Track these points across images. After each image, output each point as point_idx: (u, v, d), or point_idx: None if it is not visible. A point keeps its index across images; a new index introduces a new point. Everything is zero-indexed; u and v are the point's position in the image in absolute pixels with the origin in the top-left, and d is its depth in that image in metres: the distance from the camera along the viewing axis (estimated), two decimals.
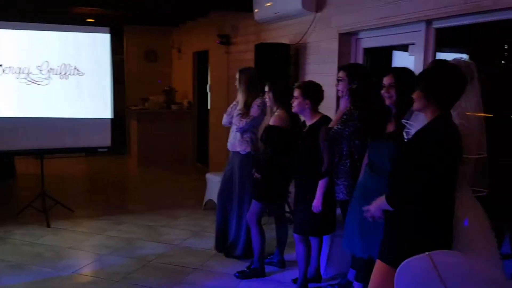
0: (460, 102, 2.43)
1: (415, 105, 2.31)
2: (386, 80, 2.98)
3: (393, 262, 2.22)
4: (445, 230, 2.27)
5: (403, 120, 2.64)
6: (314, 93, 3.60)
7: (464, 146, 2.34)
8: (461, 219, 2.36)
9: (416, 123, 2.45)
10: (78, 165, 8.89)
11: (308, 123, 3.67)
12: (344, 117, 3.43)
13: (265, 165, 3.95)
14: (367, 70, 3.88)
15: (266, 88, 3.99)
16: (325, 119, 3.63)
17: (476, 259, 2.21)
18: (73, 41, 5.65)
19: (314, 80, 3.75)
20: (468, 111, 2.47)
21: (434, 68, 2.29)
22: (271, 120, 3.93)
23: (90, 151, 8.91)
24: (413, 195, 2.18)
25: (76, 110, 5.70)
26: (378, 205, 2.39)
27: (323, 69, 5.06)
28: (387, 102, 2.99)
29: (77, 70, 5.69)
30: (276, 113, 3.96)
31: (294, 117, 3.88)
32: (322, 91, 3.65)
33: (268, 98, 3.99)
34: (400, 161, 2.30)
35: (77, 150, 6.89)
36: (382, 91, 2.98)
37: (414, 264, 2.07)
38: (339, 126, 3.42)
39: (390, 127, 2.99)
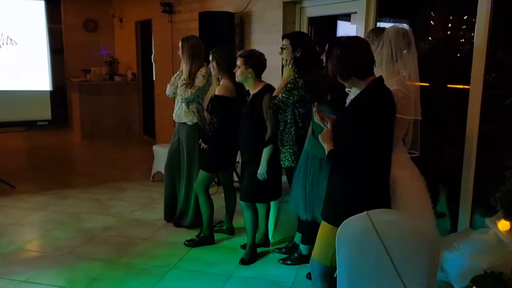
0: (399, 69, 2.54)
1: (346, 85, 2.42)
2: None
3: (335, 222, 2.32)
4: (382, 190, 2.38)
5: (346, 89, 2.69)
6: (256, 61, 3.61)
7: (401, 108, 2.45)
8: (398, 179, 2.48)
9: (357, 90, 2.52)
10: (19, 140, 8.57)
11: (252, 92, 3.69)
12: (289, 85, 3.47)
13: (212, 135, 3.95)
14: (310, 39, 3.99)
15: (210, 57, 3.97)
16: (269, 87, 3.65)
17: (411, 218, 2.30)
18: (5, 8, 5.37)
19: (259, 49, 3.76)
20: (406, 79, 2.59)
21: (328, 50, 2.35)
22: (217, 90, 3.92)
23: (29, 125, 8.60)
24: (352, 156, 2.28)
25: (13, 83, 5.45)
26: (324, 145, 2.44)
27: (268, 38, 5.07)
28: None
29: (10, 39, 5.42)
30: (221, 83, 3.96)
31: (239, 87, 3.88)
32: (265, 59, 3.66)
33: (212, 67, 3.97)
34: (339, 126, 2.40)
35: (15, 124, 6.61)
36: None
37: (354, 223, 2.15)
38: (283, 95, 3.46)
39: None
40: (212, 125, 3.95)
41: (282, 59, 3.57)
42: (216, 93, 3.93)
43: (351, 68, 2.27)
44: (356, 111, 2.27)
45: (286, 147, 3.54)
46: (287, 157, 3.55)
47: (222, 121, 3.91)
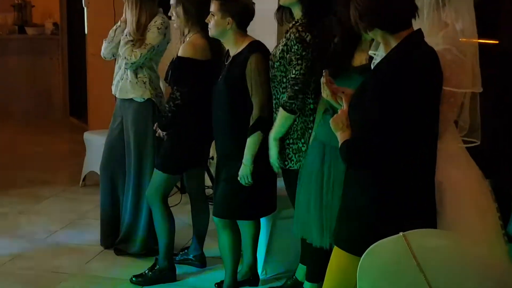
0: (446, 20, 2.55)
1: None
2: None
3: (354, 248, 2.32)
4: (424, 200, 2.38)
5: (370, 52, 2.74)
6: (238, 6, 3.65)
7: (450, 77, 2.47)
8: (448, 182, 2.48)
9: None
10: None
11: (232, 52, 3.72)
12: (287, 41, 3.51)
13: (173, 118, 3.98)
14: None
15: (172, 0, 3.99)
16: (256, 45, 3.70)
17: (469, 242, 2.34)
18: None
19: None
20: (458, 34, 2.60)
21: None
22: (181, 50, 3.94)
23: None
24: (378, 148, 2.28)
25: None
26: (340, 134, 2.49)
27: None
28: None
29: None
30: (188, 39, 3.98)
31: (215, 45, 3.90)
32: (252, 4, 3.69)
33: (175, 15, 3.98)
34: (358, 104, 2.42)
35: None
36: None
37: (384, 250, 2.17)
38: (278, 55, 3.52)
39: (358, 60, 3.12)
40: (173, 102, 3.96)
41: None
42: (179, 54, 3.93)
43: (377, 14, 2.33)
44: (382, 82, 2.30)
45: (287, 141, 3.59)
46: (289, 155, 3.61)
47: (188, 97, 3.94)
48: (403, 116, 2.27)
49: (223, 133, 3.79)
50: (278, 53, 3.53)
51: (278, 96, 3.59)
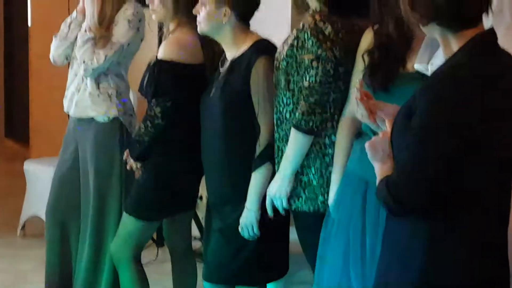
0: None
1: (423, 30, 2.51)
2: None
3: None
4: (497, 261, 2.41)
5: (416, 65, 2.84)
6: None
7: None
8: None
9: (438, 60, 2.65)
10: None
11: (230, 55, 3.75)
12: (300, 34, 3.51)
13: (151, 143, 4.01)
14: None
15: None
16: (264, 46, 3.73)
17: None
18: None
19: None
20: None
21: None
22: (162, 50, 3.98)
23: None
24: (431, 193, 2.30)
25: None
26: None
27: None
28: None
29: None
30: (171, 35, 4.03)
31: (210, 43, 3.93)
32: None
33: (157, 2, 4.02)
34: (404, 124, 2.43)
35: None
36: None
37: None
38: (287, 52, 3.53)
39: (414, 60, 3.14)
40: (152, 121, 3.97)
41: None
42: (160, 56, 3.97)
43: (435, 3, 2.34)
44: (437, 99, 2.32)
45: (308, 169, 3.57)
46: (296, 191, 3.58)
47: (172, 114, 3.97)
48: (468, 144, 2.29)
49: (216, 166, 3.81)
50: (285, 50, 3.55)
51: (281, 108, 3.59)
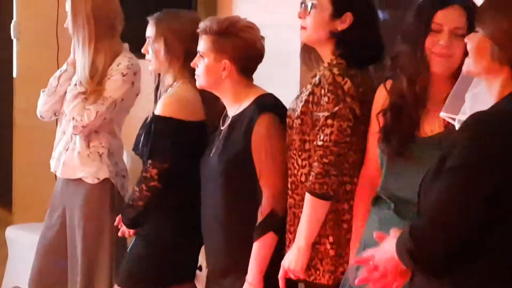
0: None
1: (472, 66, 2.50)
2: (446, 17, 3.11)
3: None
4: None
5: (442, 113, 2.82)
6: (240, 44, 3.66)
7: None
8: None
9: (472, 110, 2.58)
10: None
11: (231, 111, 3.73)
12: (316, 89, 3.46)
13: (146, 209, 3.94)
14: None
15: (149, 32, 4.02)
16: (268, 101, 3.70)
17: None
18: None
19: (252, 17, 3.82)
20: None
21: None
22: (160, 106, 3.93)
23: None
24: (462, 233, 2.29)
25: None
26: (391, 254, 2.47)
27: None
28: (438, 67, 3.12)
29: None
30: (171, 90, 3.99)
31: (212, 99, 3.87)
32: (260, 39, 3.72)
33: (151, 53, 4.01)
34: (437, 169, 2.41)
35: None
36: (438, 47, 3.10)
37: None
38: (299, 107, 3.50)
39: (429, 127, 3.14)
40: (147, 184, 3.91)
41: (301, 29, 3.57)
42: (158, 113, 3.92)
43: None
44: (480, 133, 2.32)
45: (325, 237, 3.50)
46: (313, 262, 3.50)
47: (170, 176, 3.90)
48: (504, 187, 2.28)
49: (216, 234, 3.78)
50: (299, 107, 3.51)
51: (295, 171, 3.55)
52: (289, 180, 3.56)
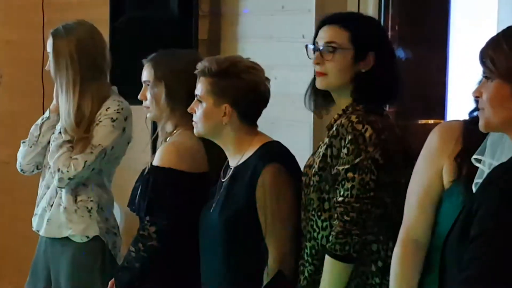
0: None
1: (490, 117, 2.51)
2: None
3: None
4: None
5: (474, 156, 2.73)
6: (243, 87, 3.62)
7: None
8: None
9: (496, 159, 2.65)
10: None
11: (233, 162, 3.70)
12: (335, 141, 3.40)
13: (143, 270, 3.86)
14: (386, 32, 4.15)
15: (147, 74, 3.98)
16: (273, 150, 3.66)
17: None
18: None
19: (255, 57, 3.82)
20: None
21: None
22: (159, 156, 3.88)
23: None
24: None
25: None
26: None
27: (277, 28, 5.16)
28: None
29: None
30: (171, 139, 3.96)
31: (214, 148, 3.80)
32: (265, 81, 3.68)
33: (150, 99, 3.97)
34: (462, 233, 2.39)
35: None
36: (474, 92, 2.95)
37: None
38: (318, 165, 3.44)
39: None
40: (144, 243, 3.85)
41: (318, 75, 3.49)
42: (156, 163, 3.89)
43: None
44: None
45: None
46: None
47: (170, 235, 3.84)
48: None
49: None
50: (316, 162, 3.42)
51: (315, 234, 3.46)
52: (308, 244, 3.48)
